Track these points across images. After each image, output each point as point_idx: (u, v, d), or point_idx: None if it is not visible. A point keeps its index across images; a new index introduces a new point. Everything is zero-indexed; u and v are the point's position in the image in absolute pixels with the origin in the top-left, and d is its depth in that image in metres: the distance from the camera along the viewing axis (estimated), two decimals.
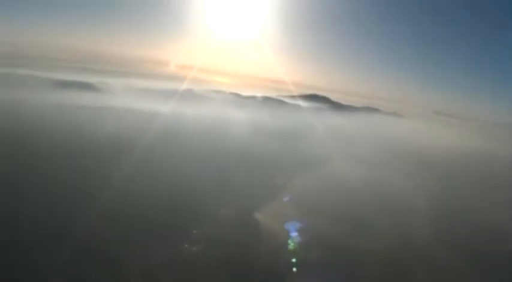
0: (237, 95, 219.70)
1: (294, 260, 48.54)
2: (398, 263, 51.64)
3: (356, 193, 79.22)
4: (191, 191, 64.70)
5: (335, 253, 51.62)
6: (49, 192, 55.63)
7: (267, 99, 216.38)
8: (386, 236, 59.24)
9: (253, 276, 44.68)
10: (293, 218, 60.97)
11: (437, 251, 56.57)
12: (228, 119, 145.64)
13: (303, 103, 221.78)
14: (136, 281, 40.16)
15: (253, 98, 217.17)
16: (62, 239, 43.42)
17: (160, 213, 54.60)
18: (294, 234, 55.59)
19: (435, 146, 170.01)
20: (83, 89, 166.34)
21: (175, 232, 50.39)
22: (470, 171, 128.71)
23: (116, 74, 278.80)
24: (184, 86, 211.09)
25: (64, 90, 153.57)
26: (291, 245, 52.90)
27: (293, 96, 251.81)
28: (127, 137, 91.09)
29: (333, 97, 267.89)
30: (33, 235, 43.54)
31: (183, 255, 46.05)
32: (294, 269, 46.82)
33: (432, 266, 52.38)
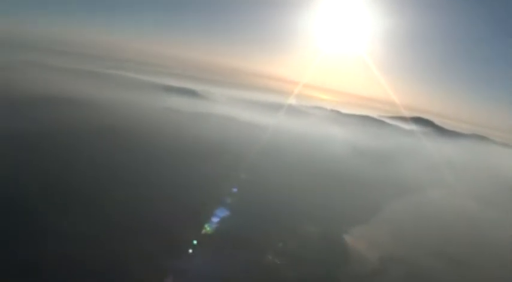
0: (338, 113, 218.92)
1: None
2: None
3: (454, 226, 76.44)
4: (282, 203, 66.21)
5: None
6: (145, 192, 58.74)
7: (367, 119, 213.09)
8: (481, 277, 57.27)
9: None
10: (383, 245, 60.06)
11: None
12: (326, 136, 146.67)
13: (404, 125, 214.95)
14: None
15: (353, 116, 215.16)
16: (154, 235, 46.79)
17: (249, 221, 56.02)
18: (382, 262, 54.21)
19: None
20: (188, 96, 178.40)
21: (261, 242, 51.33)
22: None
23: (221, 83, 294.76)
24: (286, 100, 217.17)
25: (170, 96, 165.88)
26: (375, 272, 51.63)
27: (395, 117, 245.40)
28: (225, 144, 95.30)
29: (438, 121, 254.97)
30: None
31: (265, 266, 46.67)
32: None
33: None
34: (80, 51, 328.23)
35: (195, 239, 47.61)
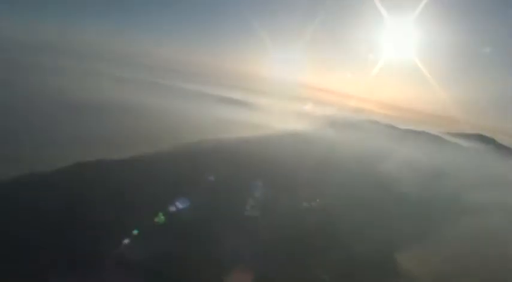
0: (393, 128, 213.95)
1: None
2: None
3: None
4: (334, 218, 66.38)
5: None
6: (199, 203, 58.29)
7: (424, 135, 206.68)
8: None
9: None
10: (437, 268, 58.90)
11: None
12: (381, 151, 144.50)
13: (464, 142, 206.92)
14: None
15: (409, 132, 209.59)
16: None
17: (298, 235, 56.66)
18: None
19: None
20: (242, 107, 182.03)
21: (309, 257, 51.96)
22: None
23: (274, 96, 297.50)
24: (340, 113, 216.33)
25: (225, 106, 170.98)
26: None
27: (454, 134, 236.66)
28: (279, 157, 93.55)
29: (500, 139, 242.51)
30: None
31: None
32: None
33: None
34: (138, 61, 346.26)
35: (247, 251, 48.94)
